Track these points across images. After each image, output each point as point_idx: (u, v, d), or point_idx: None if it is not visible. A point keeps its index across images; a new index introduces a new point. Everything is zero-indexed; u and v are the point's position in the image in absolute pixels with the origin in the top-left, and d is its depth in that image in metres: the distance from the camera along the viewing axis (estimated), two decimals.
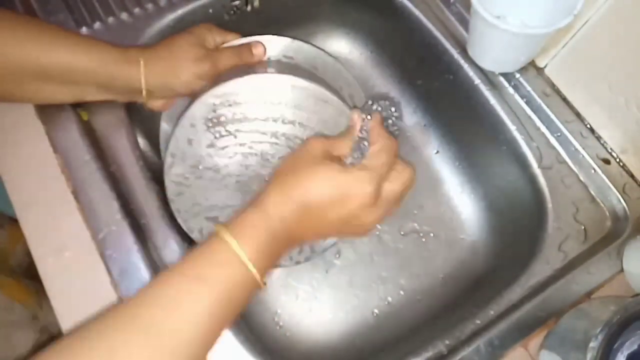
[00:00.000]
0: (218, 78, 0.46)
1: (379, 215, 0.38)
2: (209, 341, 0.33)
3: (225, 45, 0.49)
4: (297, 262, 0.53)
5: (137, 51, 0.44)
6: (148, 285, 0.32)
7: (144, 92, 0.45)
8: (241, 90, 0.43)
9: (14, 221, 0.46)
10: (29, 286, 0.83)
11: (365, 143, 0.41)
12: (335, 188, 0.36)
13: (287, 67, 0.50)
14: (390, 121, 0.46)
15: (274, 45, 0.50)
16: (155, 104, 0.49)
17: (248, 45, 0.49)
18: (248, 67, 0.48)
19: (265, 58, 0.50)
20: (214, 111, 0.44)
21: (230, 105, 0.44)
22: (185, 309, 0.31)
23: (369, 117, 0.43)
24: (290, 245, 0.38)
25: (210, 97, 0.44)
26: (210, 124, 0.45)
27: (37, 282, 0.44)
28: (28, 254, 0.45)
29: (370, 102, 0.46)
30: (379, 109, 0.45)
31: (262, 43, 0.49)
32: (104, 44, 0.44)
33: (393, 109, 0.46)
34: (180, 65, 0.45)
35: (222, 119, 0.44)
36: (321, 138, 0.40)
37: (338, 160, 0.39)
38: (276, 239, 0.35)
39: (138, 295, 0.32)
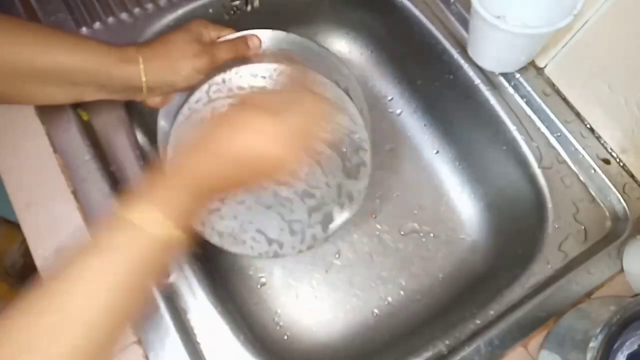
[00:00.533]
0: (215, 71, 0.46)
1: (292, 150, 0.38)
2: (127, 304, 0.33)
3: (221, 39, 0.50)
4: (300, 251, 0.53)
5: (135, 49, 0.44)
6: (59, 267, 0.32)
7: (144, 90, 0.45)
8: (237, 79, 0.44)
9: (9, 223, 0.46)
10: (20, 287, 0.83)
11: None
12: (252, 130, 0.37)
13: (283, 57, 0.50)
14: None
15: (269, 37, 0.51)
16: (154, 101, 0.49)
17: (244, 38, 0.49)
18: (244, 59, 0.48)
19: (261, 51, 0.50)
20: (212, 101, 0.44)
21: (228, 97, 0.44)
22: (90, 283, 0.31)
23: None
24: (199, 195, 0.36)
25: (207, 87, 0.45)
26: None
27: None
28: (23, 256, 0.45)
29: None
30: None
31: (257, 36, 0.50)
32: (100, 43, 0.44)
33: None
34: (179, 61, 0.45)
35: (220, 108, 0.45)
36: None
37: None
38: (171, 194, 0.35)
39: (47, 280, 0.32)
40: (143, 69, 0.44)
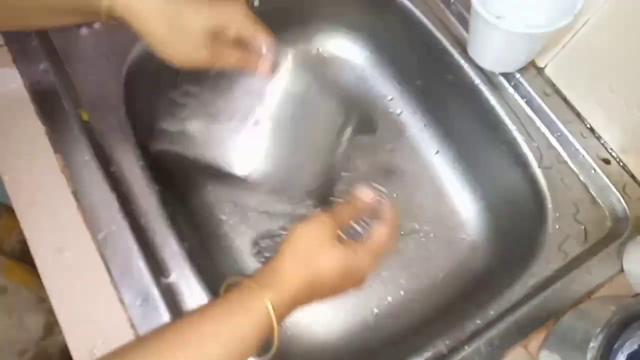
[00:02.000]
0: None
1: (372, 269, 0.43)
2: None
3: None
4: None
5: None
6: (179, 325, 0.36)
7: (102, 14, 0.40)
8: None
9: (12, 210, 0.47)
10: (29, 269, 0.83)
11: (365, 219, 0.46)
12: (343, 267, 0.40)
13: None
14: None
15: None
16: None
17: (261, 60, 0.45)
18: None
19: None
20: None
21: None
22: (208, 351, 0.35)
23: (383, 199, 0.47)
24: (294, 308, 0.40)
25: None
26: None
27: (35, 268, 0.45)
28: (21, 242, 0.45)
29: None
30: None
31: (270, 61, 0.45)
32: None
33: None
34: (176, 42, 0.40)
35: None
36: (329, 216, 0.42)
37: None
38: (288, 302, 0.39)
39: (169, 331, 0.36)
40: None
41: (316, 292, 0.40)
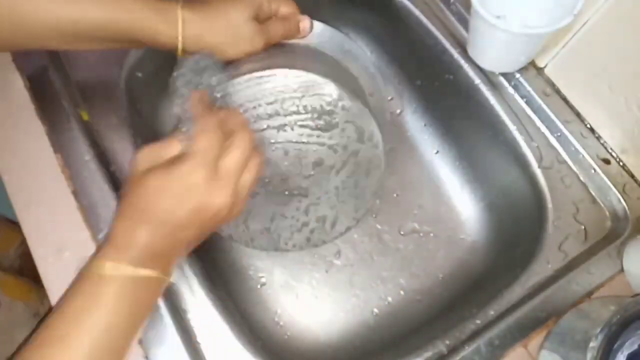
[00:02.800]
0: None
1: (229, 194, 0.36)
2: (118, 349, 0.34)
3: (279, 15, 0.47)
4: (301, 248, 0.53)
5: (178, 13, 0.40)
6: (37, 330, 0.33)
7: (178, 53, 0.42)
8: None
9: (11, 223, 0.46)
10: (29, 283, 0.83)
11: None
12: (167, 191, 0.34)
13: (312, 53, 0.50)
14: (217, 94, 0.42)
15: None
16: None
17: (296, 20, 0.48)
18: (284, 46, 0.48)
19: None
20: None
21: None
22: (73, 347, 0.32)
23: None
24: (157, 258, 0.36)
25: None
26: None
27: (34, 280, 0.44)
28: (21, 257, 0.45)
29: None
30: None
31: (309, 18, 0.49)
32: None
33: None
34: (235, 42, 0.43)
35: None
36: (145, 149, 0.37)
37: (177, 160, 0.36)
38: (136, 253, 0.34)
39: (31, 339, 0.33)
40: (182, 39, 0.41)
41: (165, 232, 0.35)
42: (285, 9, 0.47)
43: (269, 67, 0.43)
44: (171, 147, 0.37)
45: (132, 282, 0.34)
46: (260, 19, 0.45)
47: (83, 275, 0.34)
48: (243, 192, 0.38)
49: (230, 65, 0.44)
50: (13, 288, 0.83)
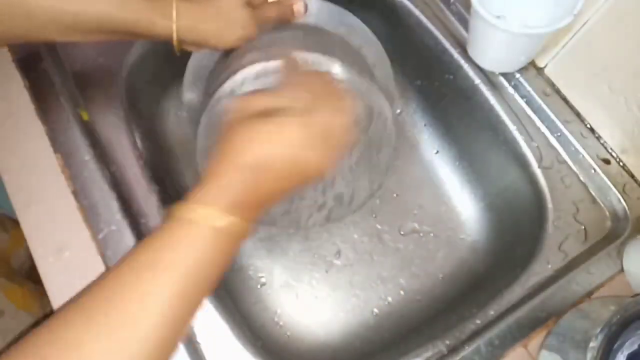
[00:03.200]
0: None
1: (322, 152, 0.36)
2: (185, 317, 0.32)
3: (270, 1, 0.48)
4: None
5: (179, 2, 0.42)
6: (103, 277, 0.32)
7: (174, 44, 0.43)
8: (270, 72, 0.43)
9: (18, 223, 0.46)
10: (33, 290, 0.83)
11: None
12: (265, 140, 0.34)
13: (315, 33, 0.50)
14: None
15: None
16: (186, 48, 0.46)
17: (289, 3, 0.48)
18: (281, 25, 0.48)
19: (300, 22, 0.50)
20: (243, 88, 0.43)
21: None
22: (145, 299, 0.30)
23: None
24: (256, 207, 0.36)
25: (240, 76, 0.43)
26: None
27: (41, 286, 0.44)
28: (31, 258, 0.45)
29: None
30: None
31: (304, 1, 0.49)
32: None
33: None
34: (227, 28, 0.44)
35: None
36: (238, 99, 0.38)
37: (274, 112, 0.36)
38: (232, 198, 0.34)
39: (95, 288, 0.31)
40: (176, 28, 0.42)
41: (260, 182, 0.35)
42: None
43: (273, 58, 0.43)
44: (262, 99, 0.37)
45: (222, 230, 0.33)
46: (254, 4, 0.45)
47: (171, 218, 0.33)
48: (334, 152, 0.37)
49: (232, 56, 0.45)
50: (16, 295, 0.83)
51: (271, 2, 0.48)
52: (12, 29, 0.40)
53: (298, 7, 0.49)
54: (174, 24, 0.41)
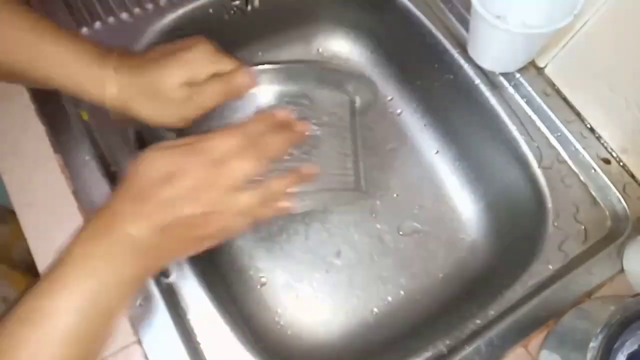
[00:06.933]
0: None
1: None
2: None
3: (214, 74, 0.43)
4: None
5: (117, 66, 0.41)
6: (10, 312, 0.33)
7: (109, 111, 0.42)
8: None
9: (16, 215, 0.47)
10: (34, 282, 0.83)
11: None
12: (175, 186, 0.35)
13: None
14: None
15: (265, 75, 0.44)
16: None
17: (237, 78, 0.42)
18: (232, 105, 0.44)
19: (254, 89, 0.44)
20: None
21: None
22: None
23: None
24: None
25: None
26: None
27: None
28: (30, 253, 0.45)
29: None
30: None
31: (252, 72, 0.42)
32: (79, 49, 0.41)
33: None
34: (164, 109, 0.41)
35: None
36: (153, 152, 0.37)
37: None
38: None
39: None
40: (108, 103, 0.41)
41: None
42: (224, 66, 0.42)
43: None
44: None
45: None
46: (198, 84, 0.41)
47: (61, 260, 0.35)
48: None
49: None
50: (20, 283, 0.83)
51: (214, 80, 0.42)
52: None
53: (243, 80, 0.42)
54: (106, 98, 0.41)
